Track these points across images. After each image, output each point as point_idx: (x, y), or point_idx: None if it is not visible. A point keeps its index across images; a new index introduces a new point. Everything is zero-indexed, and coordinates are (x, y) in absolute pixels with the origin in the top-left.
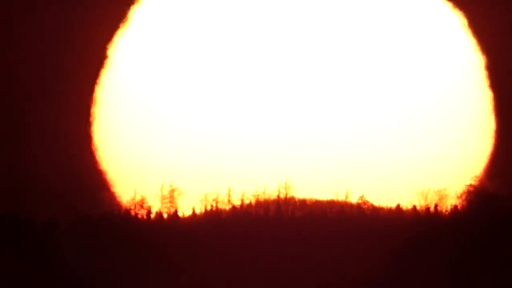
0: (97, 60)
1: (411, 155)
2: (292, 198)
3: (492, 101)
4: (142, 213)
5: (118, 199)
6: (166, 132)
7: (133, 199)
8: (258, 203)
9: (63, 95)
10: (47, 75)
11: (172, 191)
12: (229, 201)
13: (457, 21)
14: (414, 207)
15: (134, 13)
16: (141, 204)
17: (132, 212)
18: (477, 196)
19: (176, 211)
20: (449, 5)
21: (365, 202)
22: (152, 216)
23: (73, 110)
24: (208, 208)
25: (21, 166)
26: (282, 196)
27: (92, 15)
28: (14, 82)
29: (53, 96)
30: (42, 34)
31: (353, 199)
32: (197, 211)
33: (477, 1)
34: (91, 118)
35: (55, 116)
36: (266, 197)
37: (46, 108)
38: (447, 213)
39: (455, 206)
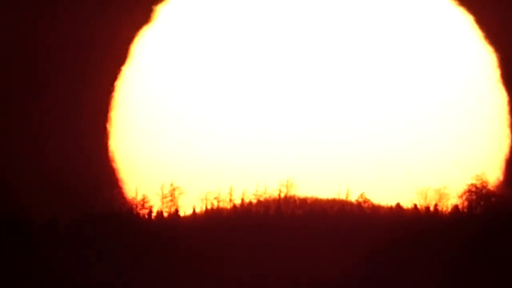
0: (119, 57)
1: (411, 154)
2: (293, 197)
3: (507, 98)
4: (143, 212)
5: (125, 196)
6: (167, 131)
7: (135, 198)
8: (259, 202)
9: (80, 91)
10: (67, 69)
11: (173, 190)
12: (230, 200)
13: (466, 19)
14: (415, 205)
15: (159, 12)
16: (142, 203)
17: (134, 211)
18: (478, 196)
19: (177, 210)
20: (455, 3)
21: (365, 201)
22: (153, 215)
23: (89, 108)
24: (209, 207)
25: (28, 163)
26: (282, 195)
27: (117, 12)
28: (30, 77)
29: (70, 91)
30: (65, 30)
31: (354, 198)
32: (198, 210)
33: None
34: (108, 116)
35: (69, 112)
36: (267, 196)
37: (61, 104)
38: (447, 212)
39: (456, 205)
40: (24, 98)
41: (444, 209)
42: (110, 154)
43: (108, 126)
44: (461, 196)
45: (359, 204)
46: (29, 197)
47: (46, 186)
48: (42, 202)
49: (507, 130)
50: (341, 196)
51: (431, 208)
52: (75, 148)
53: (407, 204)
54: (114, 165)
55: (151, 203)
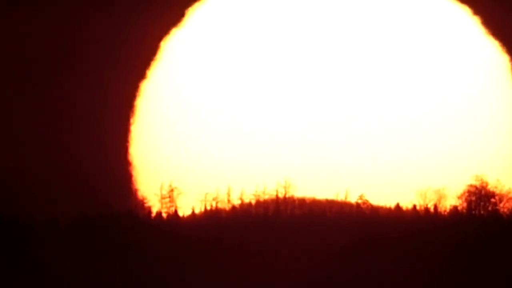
0: (147, 56)
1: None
2: (292, 198)
3: None
4: (142, 213)
5: (141, 195)
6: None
7: (134, 198)
8: (257, 202)
9: (104, 89)
10: (93, 68)
11: (172, 190)
12: (228, 200)
13: (473, 21)
14: (414, 206)
15: (191, 14)
16: (142, 204)
17: (133, 212)
18: (477, 196)
19: (176, 211)
20: (460, 4)
21: (364, 202)
22: (152, 216)
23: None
24: (208, 207)
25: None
26: (281, 195)
27: (147, 12)
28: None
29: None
30: (93, 29)
31: (353, 199)
32: (197, 211)
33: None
34: (131, 116)
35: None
36: (266, 196)
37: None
38: (446, 212)
39: (455, 206)
40: (25, 96)
41: (444, 209)
42: (129, 155)
43: (129, 127)
44: (460, 197)
45: (358, 205)
46: (29, 197)
47: (46, 186)
48: (43, 202)
49: None
50: (340, 197)
51: (431, 209)
52: (78, 148)
53: (406, 204)
54: (130, 167)
55: (150, 203)
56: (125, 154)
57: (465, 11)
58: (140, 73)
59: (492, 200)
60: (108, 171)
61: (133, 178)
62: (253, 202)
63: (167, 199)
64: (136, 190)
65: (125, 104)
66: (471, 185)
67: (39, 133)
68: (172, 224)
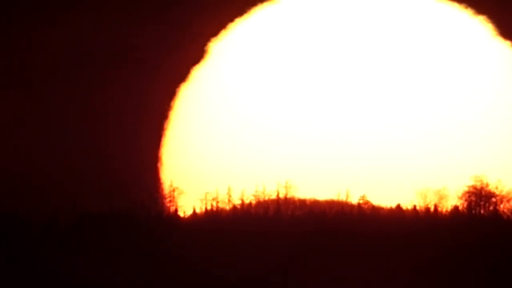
0: (193, 57)
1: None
2: (292, 198)
3: None
4: (142, 212)
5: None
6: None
7: (134, 198)
8: (258, 202)
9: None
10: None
11: (173, 190)
12: (229, 200)
13: (487, 31)
14: (414, 207)
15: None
16: (142, 203)
17: (133, 211)
18: (478, 196)
19: (176, 210)
20: (476, 16)
21: (365, 202)
22: (153, 215)
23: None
24: (209, 207)
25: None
26: (282, 195)
27: (199, 13)
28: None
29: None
30: (137, 28)
31: (354, 199)
32: (198, 210)
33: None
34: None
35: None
36: (266, 196)
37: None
38: (447, 213)
39: (455, 206)
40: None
41: (444, 210)
42: (160, 158)
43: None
44: (461, 197)
45: (359, 206)
46: (29, 196)
47: (47, 185)
48: (43, 201)
49: None
50: (341, 197)
51: (431, 209)
52: (82, 147)
53: (407, 205)
54: (158, 166)
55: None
56: (143, 155)
57: (469, 12)
58: (181, 75)
59: (493, 200)
60: (109, 170)
61: (160, 180)
62: (254, 202)
63: (168, 199)
64: (140, 190)
65: (137, 105)
66: (471, 186)
67: (42, 132)
68: (173, 224)
